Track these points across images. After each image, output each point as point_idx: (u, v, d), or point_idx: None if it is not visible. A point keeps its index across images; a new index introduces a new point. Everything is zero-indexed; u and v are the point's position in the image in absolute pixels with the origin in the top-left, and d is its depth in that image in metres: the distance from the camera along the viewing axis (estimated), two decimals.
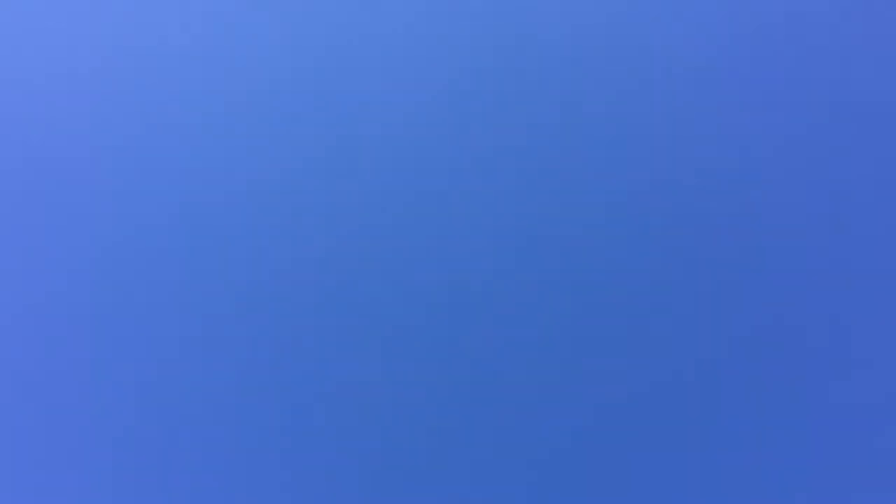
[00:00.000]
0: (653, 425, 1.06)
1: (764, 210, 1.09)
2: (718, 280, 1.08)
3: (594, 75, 1.12)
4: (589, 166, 1.11)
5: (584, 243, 1.09)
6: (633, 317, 1.08)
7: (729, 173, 1.10)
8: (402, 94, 1.12)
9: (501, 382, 1.08)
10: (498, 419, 1.07)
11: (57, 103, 1.11)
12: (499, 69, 1.12)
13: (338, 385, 1.08)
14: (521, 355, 1.08)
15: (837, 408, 1.06)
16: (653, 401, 1.07)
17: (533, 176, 1.11)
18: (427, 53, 1.12)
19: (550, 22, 1.13)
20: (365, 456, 1.07)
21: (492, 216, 1.10)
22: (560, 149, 1.11)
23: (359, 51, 1.13)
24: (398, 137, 1.11)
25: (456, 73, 1.12)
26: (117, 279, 1.09)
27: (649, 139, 1.11)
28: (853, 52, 1.11)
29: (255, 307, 1.09)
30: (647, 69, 1.12)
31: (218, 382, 1.08)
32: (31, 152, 1.11)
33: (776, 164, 1.10)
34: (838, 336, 1.07)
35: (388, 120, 1.12)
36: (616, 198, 1.10)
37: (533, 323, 1.08)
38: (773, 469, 1.05)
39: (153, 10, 1.13)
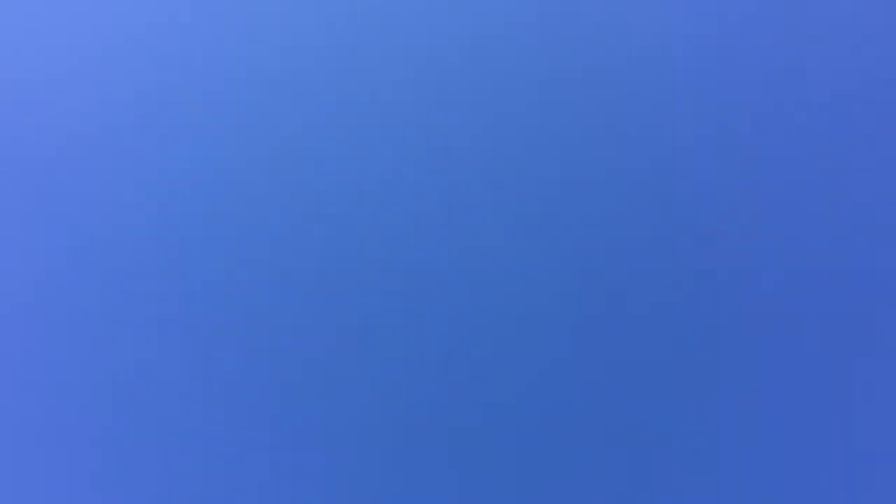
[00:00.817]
0: (652, 425, 1.06)
1: (763, 209, 1.09)
2: (717, 279, 1.08)
3: (594, 74, 1.12)
4: (588, 165, 1.11)
5: (584, 243, 1.10)
6: (632, 317, 1.08)
7: (728, 171, 1.10)
8: (402, 92, 1.12)
9: (500, 382, 1.08)
10: (497, 419, 1.07)
11: (54, 102, 1.12)
12: (499, 68, 1.12)
13: (335, 385, 1.08)
14: (521, 355, 1.08)
15: (837, 407, 1.06)
16: (653, 400, 1.07)
17: (532, 175, 1.11)
18: (428, 53, 1.13)
19: (551, 21, 1.13)
20: (364, 457, 1.07)
21: (491, 215, 1.10)
22: (559, 148, 1.11)
23: (358, 50, 1.13)
24: (397, 137, 1.12)
25: (456, 73, 1.12)
26: (113, 278, 1.10)
27: (649, 138, 1.11)
28: (853, 51, 1.11)
29: (254, 307, 1.09)
30: (647, 67, 1.12)
31: (216, 382, 1.08)
32: (29, 152, 1.11)
33: (775, 162, 1.10)
34: (838, 335, 1.07)
35: (387, 119, 1.12)
36: (615, 197, 1.10)
37: (532, 322, 1.08)
38: (773, 469, 1.05)
39: (153, 9, 1.13)
